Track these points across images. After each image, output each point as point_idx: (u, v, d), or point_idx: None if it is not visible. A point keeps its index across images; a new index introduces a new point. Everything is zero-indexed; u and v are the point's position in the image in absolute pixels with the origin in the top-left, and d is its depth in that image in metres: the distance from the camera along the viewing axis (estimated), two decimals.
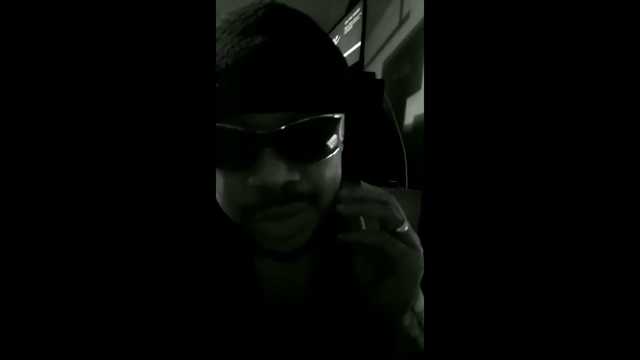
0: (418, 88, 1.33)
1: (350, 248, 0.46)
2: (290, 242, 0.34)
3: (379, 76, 1.82)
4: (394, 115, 1.21)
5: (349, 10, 1.42)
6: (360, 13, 1.27)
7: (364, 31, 1.24)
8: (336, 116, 0.32)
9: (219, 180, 0.33)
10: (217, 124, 0.30)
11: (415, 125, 1.31)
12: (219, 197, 0.34)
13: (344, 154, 0.38)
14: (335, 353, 0.48)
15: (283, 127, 0.30)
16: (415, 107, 1.35)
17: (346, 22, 1.42)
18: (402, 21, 1.63)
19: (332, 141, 0.33)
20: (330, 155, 0.33)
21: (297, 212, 0.33)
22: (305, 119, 0.30)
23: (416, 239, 0.34)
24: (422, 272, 0.34)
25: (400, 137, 1.10)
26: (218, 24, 0.33)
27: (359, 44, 1.27)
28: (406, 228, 0.33)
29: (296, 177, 0.31)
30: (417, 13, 1.47)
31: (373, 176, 0.56)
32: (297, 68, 0.30)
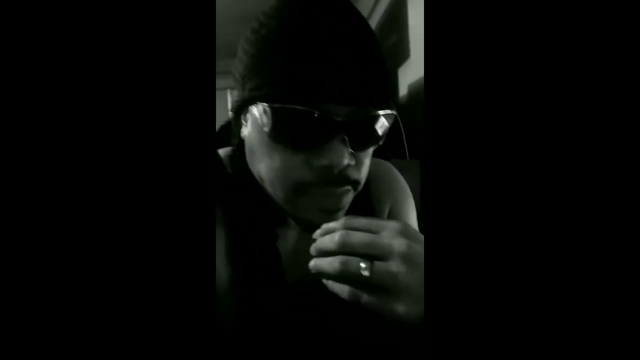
0: (407, 57, 1.31)
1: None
2: (333, 215, 0.37)
3: None
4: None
5: None
6: None
7: None
8: (394, 113, 0.36)
9: (276, 158, 0.35)
10: (298, 108, 0.32)
11: (410, 94, 1.30)
12: (270, 172, 0.36)
13: None
14: (349, 333, 0.50)
15: (358, 118, 0.33)
16: (406, 77, 1.33)
17: None
18: None
19: (381, 135, 0.36)
20: (375, 147, 0.37)
21: (345, 193, 0.36)
22: (374, 114, 0.34)
23: (412, 253, 0.30)
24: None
25: (394, 108, 1.09)
26: (284, 6, 0.35)
27: None
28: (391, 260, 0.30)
29: (353, 162, 0.35)
30: None
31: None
32: (371, 67, 0.33)
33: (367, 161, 0.37)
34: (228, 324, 0.42)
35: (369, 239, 0.30)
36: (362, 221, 0.31)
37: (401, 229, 0.30)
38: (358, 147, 0.34)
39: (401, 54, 1.38)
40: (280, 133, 0.34)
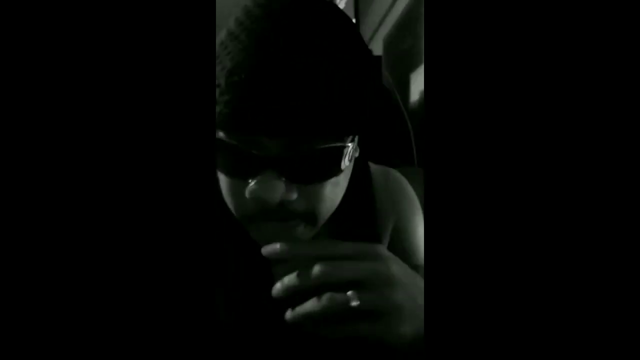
0: (421, 62, 1.28)
1: (374, 236, 0.45)
2: (288, 242, 0.33)
3: (379, 53, 1.76)
4: (396, 92, 1.17)
5: None
6: None
7: (357, 8, 1.19)
8: (347, 144, 0.31)
9: (223, 181, 0.34)
10: (219, 136, 0.30)
11: (422, 100, 1.27)
12: (226, 199, 0.35)
13: None
14: (344, 343, 0.47)
15: (288, 155, 0.30)
16: (420, 82, 1.30)
17: (338, 1, 1.37)
18: None
19: (336, 167, 0.32)
20: (333, 178, 0.33)
21: (291, 229, 0.33)
22: (320, 147, 0.30)
23: (394, 271, 0.30)
24: (419, 297, 0.30)
25: (405, 114, 1.06)
26: (245, 8, 0.32)
27: (353, 21, 1.22)
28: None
29: (293, 196, 0.31)
30: None
31: (378, 155, 0.54)
32: (312, 94, 0.28)
33: (325, 193, 0.33)
34: (221, 328, 0.41)
35: (351, 267, 0.28)
36: (326, 247, 0.29)
37: (374, 249, 0.30)
38: (298, 180, 0.31)
39: (414, 59, 1.35)
40: (220, 163, 0.32)
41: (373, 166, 0.51)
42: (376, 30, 1.93)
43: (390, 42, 1.68)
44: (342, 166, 0.32)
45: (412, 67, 1.37)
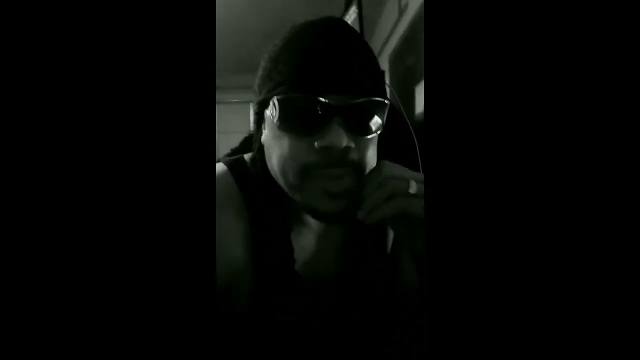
0: (423, 77, 1.35)
1: (382, 226, 0.51)
2: (338, 200, 0.40)
3: (386, 70, 1.84)
4: (400, 105, 1.23)
5: (345, 10, 1.46)
6: (356, 11, 1.31)
7: (362, 28, 1.28)
8: (385, 101, 0.41)
9: (285, 145, 0.40)
10: (300, 95, 0.38)
11: None
12: (280, 161, 0.41)
13: None
14: (360, 327, 0.51)
15: (350, 103, 0.38)
16: (422, 96, 1.36)
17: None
18: (400, 12, 1.65)
19: (377, 122, 0.41)
20: (375, 134, 0.41)
21: (346, 176, 0.40)
22: (364, 99, 0.39)
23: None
24: None
25: (409, 124, 1.12)
26: (293, 28, 0.43)
27: None
28: (415, 189, 0.40)
29: (352, 144, 0.39)
30: (415, 2, 1.49)
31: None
32: (361, 63, 0.40)
33: (369, 149, 0.41)
34: (242, 309, 0.45)
35: (403, 175, 0.40)
36: (389, 169, 0.40)
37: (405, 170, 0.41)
38: (355, 130, 0.39)
39: (418, 73, 1.42)
40: (286, 120, 0.39)
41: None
42: (382, 49, 2.01)
43: (395, 59, 1.76)
44: (379, 124, 0.41)
45: (416, 82, 1.44)
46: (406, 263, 0.52)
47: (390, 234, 0.55)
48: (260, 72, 0.43)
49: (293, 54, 0.39)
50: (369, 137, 0.41)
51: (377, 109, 0.40)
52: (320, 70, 0.38)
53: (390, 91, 1.28)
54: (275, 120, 0.39)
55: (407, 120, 1.14)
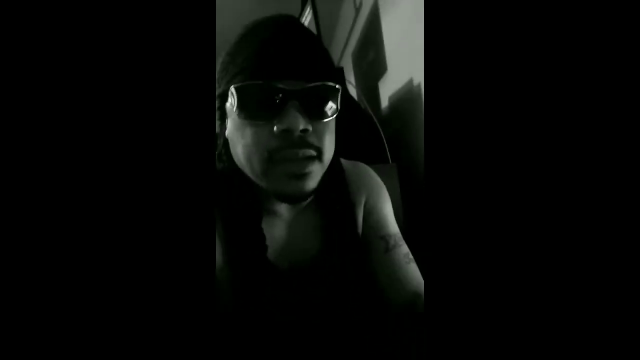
0: (384, 70, 1.38)
1: (351, 209, 0.55)
2: (302, 181, 0.42)
3: (349, 68, 1.87)
4: (364, 99, 1.26)
5: (301, 11, 1.48)
6: (311, 11, 1.33)
7: (319, 28, 1.30)
8: (337, 86, 0.44)
9: (247, 134, 0.42)
10: (255, 82, 0.40)
11: (391, 106, 1.35)
12: (245, 149, 0.43)
13: None
14: (337, 314, 0.52)
15: (302, 87, 0.40)
16: (385, 89, 1.39)
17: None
18: (357, 11, 1.68)
19: (331, 107, 0.44)
20: (330, 118, 0.44)
21: (308, 159, 0.43)
22: (317, 84, 0.41)
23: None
24: None
25: (374, 118, 1.14)
26: (249, 24, 0.45)
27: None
28: None
29: (309, 127, 0.41)
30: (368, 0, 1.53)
31: (352, 154, 0.62)
32: (312, 52, 0.42)
33: (326, 132, 0.44)
34: (222, 303, 0.46)
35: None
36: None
37: None
38: (311, 114, 0.41)
39: (380, 68, 1.45)
40: (245, 109, 0.41)
41: (344, 160, 0.62)
42: (344, 48, 2.04)
43: (357, 57, 1.78)
44: (334, 108, 0.44)
45: (378, 76, 1.47)
46: (375, 239, 0.55)
47: (359, 215, 0.57)
48: (219, 66, 0.45)
49: (247, 46, 0.41)
50: (325, 120, 0.43)
51: (330, 93, 0.43)
52: (273, 57, 0.40)
53: (355, 88, 1.30)
54: (234, 109, 0.41)
55: (372, 114, 1.16)
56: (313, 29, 1.33)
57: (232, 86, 0.41)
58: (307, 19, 1.40)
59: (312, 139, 0.42)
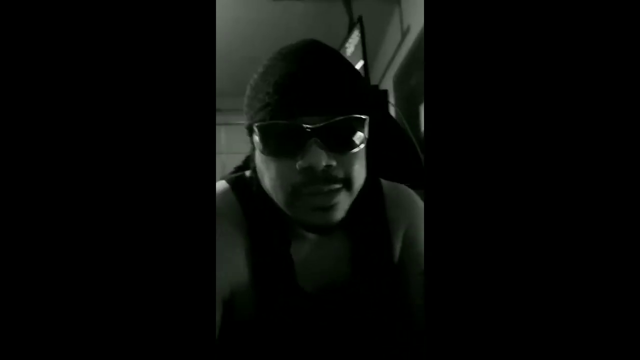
0: None
1: (387, 237, 0.53)
2: (328, 213, 0.42)
3: (391, 90, 1.88)
4: (405, 122, 1.26)
5: (348, 34, 1.52)
6: (359, 34, 1.36)
7: (365, 50, 1.33)
8: (362, 117, 0.42)
9: (271, 168, 0.42)
10: (276, 122, 0.40)
11: None
12: (270, 182, 0.43)
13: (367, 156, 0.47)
14: (367, 338, 0.52)
15: (324, 123, 0.40)
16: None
17: (347, 45, 1.52)
18: (403, 35, 1.70)
19: (358, 137, 0.42)
20: (358, 148, 0.42)
21: (334, 191, 0.42)
22: (340, 118, 0.40)
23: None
24: None
25: (414, 141, 1.14)
26: (272, 55, 0.45)
27: (362, 62, 1.35)
28: None
29: (333, 162, 0.40)
30: (416, 26, 1.55)
31: (388, 177, 0.61)
32: (337, 83, 0.41)
33: (354, 162, 0.43)
34: (246, 322, 0.46)
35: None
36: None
37: None
38: (335, 148, 0.41)
39: (421, 92, 1.46)
40: (268, 146, 0.41)
41: (384, 181, 0.60)
42: (386, 71, 2.07)
43: (399, 80, 1.80)
44: (361, 139, 0.42)
45: (420, 101, 1.48)
46: (414, 274, 0.53)
47: (397, 244, 0.55)
48: (245, 100, 0.45)
49: (269, 81, 0.41)
50: (353, 151, 0.42)
51: (356, 125, 0.41)
52: (295, 94, 0.39)
53: (395, 109, 1.31)
54: (259, 147, 0.42)
55: (412, 137, 1.16)
56: (359, 52, 1.35)
57: (254, 125, 0.41)
58: (354, 41, 1.43)
59: (337, 172, 0.41)
